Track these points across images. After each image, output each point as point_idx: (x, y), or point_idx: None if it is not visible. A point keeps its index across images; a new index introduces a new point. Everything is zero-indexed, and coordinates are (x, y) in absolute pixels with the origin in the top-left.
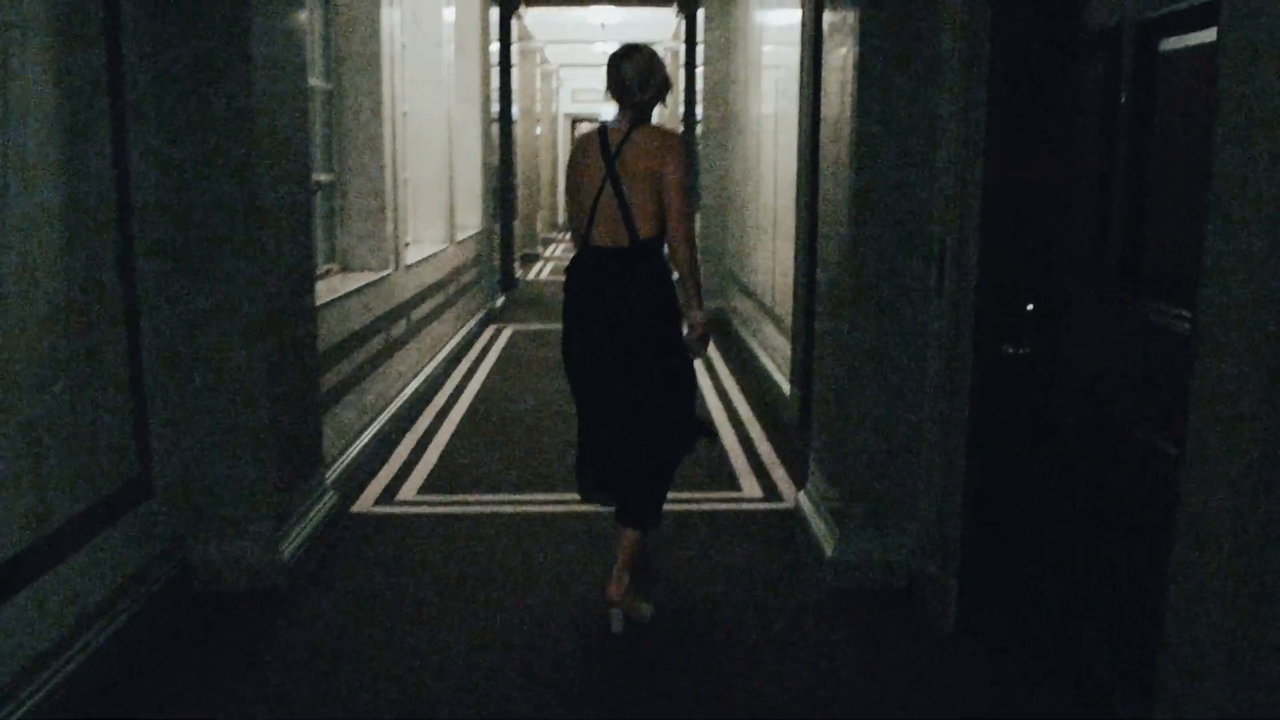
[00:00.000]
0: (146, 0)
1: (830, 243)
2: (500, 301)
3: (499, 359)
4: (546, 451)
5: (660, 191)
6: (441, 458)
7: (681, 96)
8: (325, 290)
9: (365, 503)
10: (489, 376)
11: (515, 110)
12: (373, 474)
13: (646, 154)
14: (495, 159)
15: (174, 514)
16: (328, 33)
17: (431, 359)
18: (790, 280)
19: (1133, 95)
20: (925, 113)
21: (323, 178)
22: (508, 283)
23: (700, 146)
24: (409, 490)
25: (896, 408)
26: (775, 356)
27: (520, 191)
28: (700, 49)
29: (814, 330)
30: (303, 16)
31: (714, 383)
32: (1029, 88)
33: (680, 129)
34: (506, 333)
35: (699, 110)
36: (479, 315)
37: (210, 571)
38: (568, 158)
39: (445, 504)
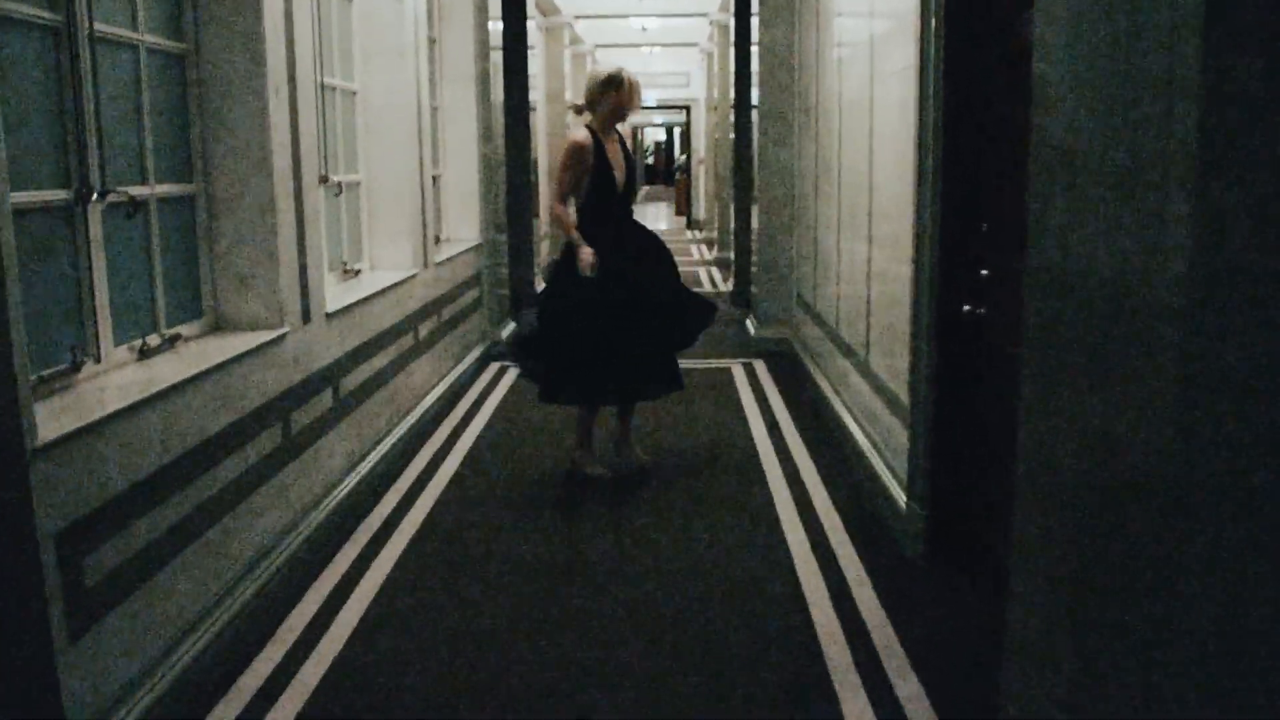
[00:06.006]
0: None
1: (1079, 315)
2: (508, 330)
3: (487, 427)
4: (544, 659)
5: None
6: (342, 657)
7: (732, 80)
8: (163, 373)
9: None
10: (464, 465)
11: (537, 95)
12: (218, 693)
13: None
14: (499, 153)
15: None
16: None
17: (378, 444)
18: (903, 321)
19: None
20: None
21: (158, 188)
22: (521, 302)
23: (756, 135)
24: None
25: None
26: (875, 433)
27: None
28: (754, 21)
29: (948, 419)
30: None
31: (783, 463)
32: None
33: (730, 115)
34: (509, 377)
35: (754, 93)
36: (475, 354)
37: None
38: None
39: None
